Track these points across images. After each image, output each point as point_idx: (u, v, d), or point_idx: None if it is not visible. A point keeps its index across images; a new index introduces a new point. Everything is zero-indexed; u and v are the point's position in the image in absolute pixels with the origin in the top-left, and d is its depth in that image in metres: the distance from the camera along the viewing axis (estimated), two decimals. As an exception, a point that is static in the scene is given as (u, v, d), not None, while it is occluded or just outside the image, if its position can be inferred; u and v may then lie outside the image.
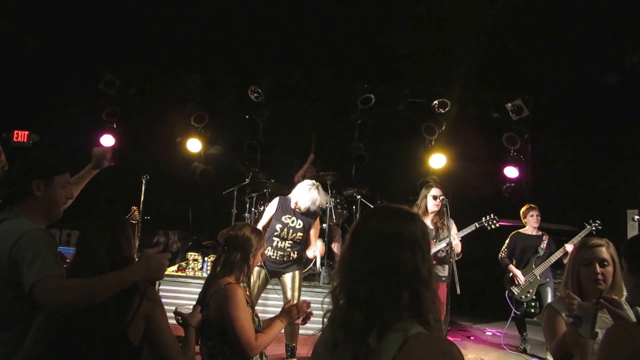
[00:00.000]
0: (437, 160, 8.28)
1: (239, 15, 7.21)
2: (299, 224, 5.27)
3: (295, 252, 5.30)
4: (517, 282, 6.47)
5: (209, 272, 3.14)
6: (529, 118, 8.35)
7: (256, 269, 5.23)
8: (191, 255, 7.29)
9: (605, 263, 2.64)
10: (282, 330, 5.27)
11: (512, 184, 8.36)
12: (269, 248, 5.26)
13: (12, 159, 6.10)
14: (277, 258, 5.27)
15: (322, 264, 7.27)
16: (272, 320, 3.23)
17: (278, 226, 5.25)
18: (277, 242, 5.26)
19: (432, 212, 5.75)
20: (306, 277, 7.27)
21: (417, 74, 8.21)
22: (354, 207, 8.00)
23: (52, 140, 8.26)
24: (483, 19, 6.80)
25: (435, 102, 8.27)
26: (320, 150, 8.73)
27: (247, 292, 3.11)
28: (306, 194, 5.23)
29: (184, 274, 7.11)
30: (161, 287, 6.89)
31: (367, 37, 7.54)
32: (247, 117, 8.35)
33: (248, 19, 7.31)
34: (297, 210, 5.28)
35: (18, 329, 2.28)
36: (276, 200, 5.43)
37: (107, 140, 8.36)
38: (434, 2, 6.61)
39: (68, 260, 2.40)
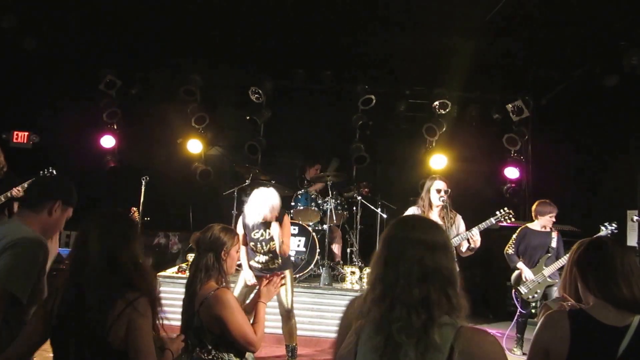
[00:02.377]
0: (438, 161, 8.28)
1: (240, 16, 7.21)
2: (268, 234, 5.14)
3: (280, 258, 5.25)
4: (525, 281, 6.32)
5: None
6: (529, 119, 8.38)
7: (243, 273, 5.26)
8: (191, 256, 7.26)
9: None
10: (280, 331, 5.34)
11: (513, 185, 8.38)
12: (253, 261, 5.24)
13: (12, 159, 6.15)
14: (263, 267, 5.24)
15: (319, 264, 7.26)
16: (253, 305, 3.25)
17: (252, 244, 5.19)
18: (258, 256, 5.22)
19: (437, 207, 5.51)
20: (306, 279, 7.25)
21: (418, 75, 8.24)
22: (354, 208, 7.97)
23: (52, 141, 8.24)
24: (483, 20, 6.81)
25: (436, 103, 8.28)
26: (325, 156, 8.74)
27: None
28: (253, 204, 5.08)
29: (184, 275, 7.08)
30: (161, 288, 6.87)
31: (367, 37, 7.55)
32: (247, 118, 8.32)
33: (249, 20, 7.31)
34: (260, 220, 5.12)
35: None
36: (240, 219, 5.34)
37: (108, 141, 8.35)
38: (434, 3, 6.60)
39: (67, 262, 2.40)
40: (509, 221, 5.67)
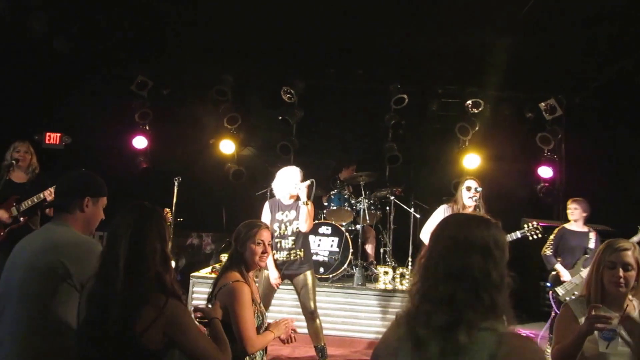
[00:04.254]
0: (471, 161, 8.23)
1: (271, 15, 7.18)
2: (293, 214, 5.28)
3: (302, 250, 5.30)
4: (562, 282, 6.26)
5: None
6: (562, 117, 8.31)
7: (265, 272, 5.26)
8: (225, 256, 7.26)
9: (629, 267, 2.69)
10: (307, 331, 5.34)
11: (546, 184, 8.33)
12: (274, 252, 5.26)
13: (45, 160, 6.15)
14: (285, 259, 5.27)
15: (352, 264, 7.26)
16: (266, 327, 3.36)
17: (275, 225, 5.28)
18: (280, 242, 5.28)
19: (469, 207, 5.51)
20: (339, 279, 7.26)
21: (450, 73, 8.18)
22: (387, 208, 7.98)
23: (84, 143, 8.23)
24: (516, 17, 6.75)
25: (469, 102, 8.22)
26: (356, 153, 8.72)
27: (254, 288, 3.32)
28: (276, 182, 5.39)
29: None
30: (194, 288, 6.90)
31: (400, 36, 7.50)
32: (279, 118, 8.29)
33: (280, 19, 7.27)
34: (287, 200, 5.34)
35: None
36: (265, 205, 5.46)
37: (140, 142, 8.35)
38: (467, 1, 6.55)
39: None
40: (535, 237, 5.65)
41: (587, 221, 6.46)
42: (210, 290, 3.28)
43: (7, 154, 5.65)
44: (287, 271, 5.27)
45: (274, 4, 6.91)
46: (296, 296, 5.45)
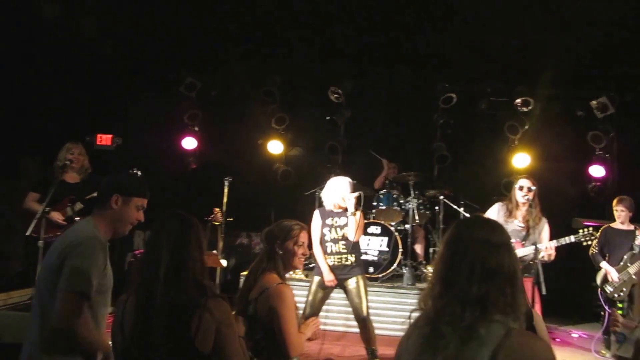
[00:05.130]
0: (521, 160, 8.13)
1: (318, 15, 7.19)
2: (344, 220, 5.27)
3: (353, 255, 5.28)
4: (610, 280, 6.30)
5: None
6: (614, 116, 8.17)
7: (316, 278, 5.28)
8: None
9: None
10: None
11: (598, 183, 8.19)
12: (326, 256, 5.29)
13: (97, 161, 6.25)
14: (336, 263, 5.27)
15: (401, 264, 7.25)
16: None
17: (326, 230, 5.31)
18: (331, 246, 5.30)
19: (523, 205, 5.51)
20: (389, 279, 7.28)
21: (499, 72, 8.12)
22: (436, 207, 7.96)
23: (135, 144, 8.35)
24: (566, 15, 6.66)
25: (518, 100, 8.12)
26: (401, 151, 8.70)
27: None
28: (327, 190, 5.42)
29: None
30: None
31: (448, 34, 7.46)
32: (327, 118, 8.31)
33: (327, 20, 7.29)
34: (335, 209, 5.34)
35: None
36: (315, 213, 5.47)
37: (189, 143, 8.44)
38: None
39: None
40: (589, 243, 5.58)
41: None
42: (242, 294, 3.16)
43: (60, 155, 5.76)
44: (338, 276, 5.26)
45: (321, 4, 6.95)
46: (346, 301, 5.46)
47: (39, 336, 2.52)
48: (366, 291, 5.31)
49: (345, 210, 5.23)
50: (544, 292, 5.03)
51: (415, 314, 1.84)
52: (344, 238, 5.26)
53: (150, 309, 2.25)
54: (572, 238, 5.49)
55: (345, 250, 5.26)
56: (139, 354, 2.28)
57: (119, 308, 2.41)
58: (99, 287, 2.56)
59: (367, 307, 5.25)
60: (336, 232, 5.29)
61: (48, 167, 6.07)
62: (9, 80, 7.38)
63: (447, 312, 1.66)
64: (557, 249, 5.31)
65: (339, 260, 5.27)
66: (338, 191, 5.29)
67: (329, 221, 5.33)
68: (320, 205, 5.70)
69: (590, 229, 5.60)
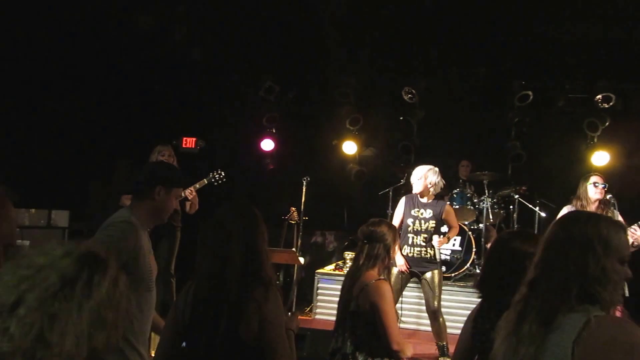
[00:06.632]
0: (600, 158, 7.89)
1: (391, 16, 7.27)
2: (429, 213, 5.39)
3: (433, 249, 5.40)
4: None
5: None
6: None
7: (395, 270, 5.39)
8: (348, 254, 7.56)
9: None
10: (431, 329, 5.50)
11: (683, 182, 7.84)
12: (405, 246, 5.42)
13: (182, 163, 6.63)
14: (415, 255, 5.40)
15: (475, 264, 7.32)
16: None
17: (409, 221, 5.43)
18: (412, 237, 5.43)
19: (595, 201, 5.50)
20: (462, 278, 7.33)
21: (578, 67, 7.90)
22: (511, 207, 7.90)
23: (217, 146, 8.79)
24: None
25: (599, 96, 7.87)
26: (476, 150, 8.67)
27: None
28: (414, 176, 5.51)
29: (341, 273, 7.38)
30: (319, 284, 7.22)
31: (523, 30, 7.35)
32: (401, 118, 8.40)
33: (399, 20, 7.36)
34: (422, 199, 5.46)
35: None
36: (402, 199, 5.61)
37: (267, 144, 8.80)
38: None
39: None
40: None
41: None
42: (345, 291, 3.34)
43: (151, 157, 6.06)
44: (416, 268, 5.43)
45: (391, 4, 7.02)
46: (421, 294, 5.64)
47: None
48: (440, 284, 5.47)
49: (434, 198, 5.46)
50: (627, 293, 4.96)
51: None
52: (427, 231, 5.43)
53: (222, 301, 2.26)
54: None
55: (425, 243, 5.43)
56: (208, 345, 2.29)
57: (181, 294, 2.46)
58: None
59: (439, 300, 5.41)
60: (420, 224, 5.44)
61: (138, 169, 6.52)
62: (105, 89, 7.94)
63: (531, 303, 1.72)
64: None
65: (419, 252, 5.44)
66: (423, 179, 5.45)
67: (414, 212, 5.47)
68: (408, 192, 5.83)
69: None
